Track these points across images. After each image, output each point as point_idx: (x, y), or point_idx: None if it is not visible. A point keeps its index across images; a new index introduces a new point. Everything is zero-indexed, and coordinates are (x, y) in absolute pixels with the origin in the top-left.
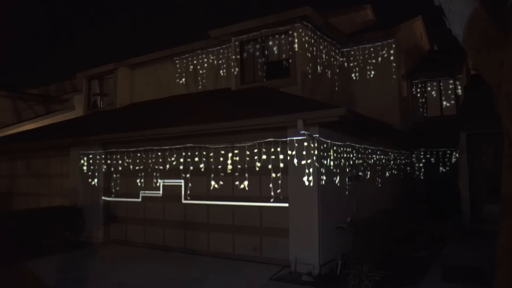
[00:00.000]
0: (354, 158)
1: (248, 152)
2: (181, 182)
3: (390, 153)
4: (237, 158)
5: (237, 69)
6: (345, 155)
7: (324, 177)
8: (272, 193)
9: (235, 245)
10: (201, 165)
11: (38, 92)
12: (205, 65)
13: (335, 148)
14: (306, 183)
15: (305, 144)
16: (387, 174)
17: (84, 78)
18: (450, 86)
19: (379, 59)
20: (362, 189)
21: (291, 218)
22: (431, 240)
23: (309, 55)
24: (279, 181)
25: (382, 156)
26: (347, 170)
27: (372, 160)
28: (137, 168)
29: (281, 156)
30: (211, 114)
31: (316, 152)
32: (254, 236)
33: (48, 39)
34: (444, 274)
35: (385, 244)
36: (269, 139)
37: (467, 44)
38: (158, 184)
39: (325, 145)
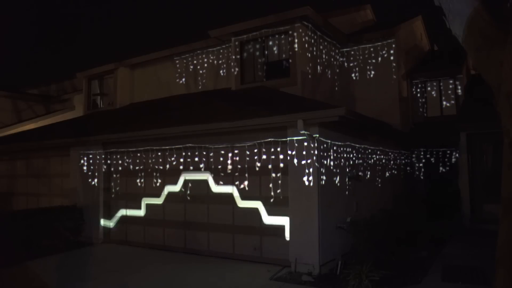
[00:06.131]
0: (354, 158)
1: (248, 152)
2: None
3: (390, 153)
4: (237, 158)
5: (237, 69)
6: (345, 155)
7: (324, 177)
8: (272, 193)
9: (235, 245)
10: (201, 165)
11: (38, 92)
12: (205, 65)
13: (335, 148)
14: (306, 183)
15: (305, 144)
16: (387, 174)
17: (84, 78)
18: (450, 86)
19: (379, 59)
20: (362, 189)
21: (291, 218)
22: (431, 240)
23: (309, 55)
24: (279, 181)
25: (382, 156)
26: (347, 170)
27: (372, 160)
28: (137, 168)
29: (281, 156)
30: (211, 114)
31: (316, 152)
32: (254, 236)
33: (48, 39)
34: (444, 274)
35: (385, 244)
36: (269, 139)
37: (467, 44)
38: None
39: (325, 145)
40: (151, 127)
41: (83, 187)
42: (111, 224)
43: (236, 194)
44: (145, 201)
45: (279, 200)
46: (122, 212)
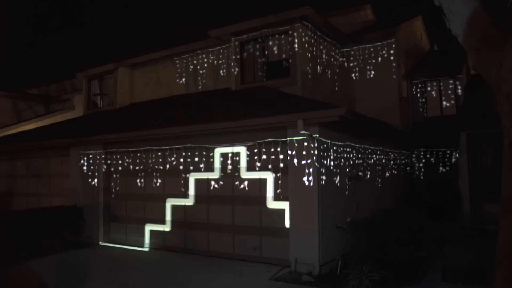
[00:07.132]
0: (354, 158)
1: (248, 152)
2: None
3: (390, 153)
4: (237, 158)
5: (237, 69)
6: (345, 155)
7: (324, 177)
8: (272, 193)
9: (235, 245)
10: (201, 165)
11: (38, 92)
12: (205, 65)
13: (335, 148)
14: (306, 183)
15: (305, 144)
16: (387, 174)
17: (84, 78)
18: (450, 86)
19: (379, 59)
20: (362, 189)
21: (291, 218)
22: (431, 240)
23: (309, 55)
24: (279, 181)
25: (382, 156)
26: (347, 170)
27: (372, 160)
28: (137, 168)
29: (281, 156)
30: (211, 114)
31: (316, 152)
32: (254, 236)
33: (48, 39)
34: (444, 274)
35: (385, 244)
36: (269, 139)
37: (467, 44)
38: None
39: (325, 145)
40: (151, 127)
41: (83, 187)
42: (111, 223)
43: (236, 194)
44: (144, 201)
45: (279, 200)
46: (122, 212)
